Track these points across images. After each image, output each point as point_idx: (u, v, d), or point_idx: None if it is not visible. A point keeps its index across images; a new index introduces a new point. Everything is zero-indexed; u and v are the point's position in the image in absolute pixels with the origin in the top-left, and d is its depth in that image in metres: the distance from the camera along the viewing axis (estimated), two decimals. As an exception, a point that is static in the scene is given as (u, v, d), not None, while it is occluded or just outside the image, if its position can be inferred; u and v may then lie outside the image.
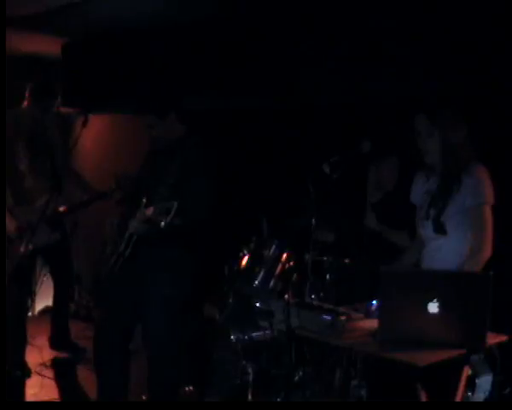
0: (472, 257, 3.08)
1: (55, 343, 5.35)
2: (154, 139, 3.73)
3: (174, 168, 3.55)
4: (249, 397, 3.67)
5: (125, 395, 3.73)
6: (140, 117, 3.70)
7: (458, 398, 2.78)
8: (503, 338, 2.94)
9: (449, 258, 3.15)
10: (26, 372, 4.79)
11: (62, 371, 5.03)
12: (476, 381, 2.90)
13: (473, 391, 2.89)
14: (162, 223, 3.22)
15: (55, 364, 5.11)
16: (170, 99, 3.71)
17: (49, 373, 4.93)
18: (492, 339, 2.87)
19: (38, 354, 5.12)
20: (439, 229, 3.18)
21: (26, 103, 4.87)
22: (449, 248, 3.16)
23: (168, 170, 3.56)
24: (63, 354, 5.29)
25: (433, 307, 2.72)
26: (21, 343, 4.85)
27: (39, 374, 4.85)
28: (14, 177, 4.69)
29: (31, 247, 4.45)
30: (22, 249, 4.46)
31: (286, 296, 3.07)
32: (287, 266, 3.88)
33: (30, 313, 6.39)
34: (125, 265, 3.58)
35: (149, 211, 3.31)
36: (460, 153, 3.13)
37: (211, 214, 3.55)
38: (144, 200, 3.44)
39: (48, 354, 5.20)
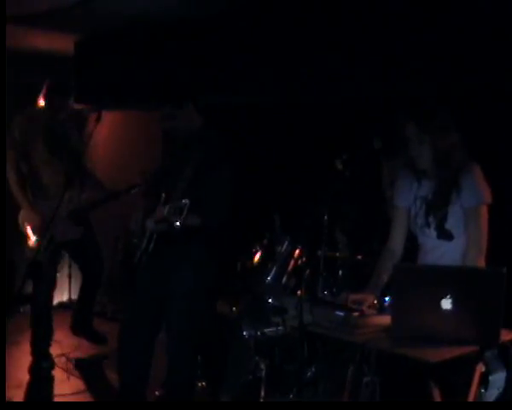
0: (473, 258, 3.06)
1: (77, 328, 5.27)
2: (173, 131, 3.70)
3: (193, 160, 3.50)
4: (262, 393, 3.67)
5: (144, 389, 3.73)
6: (156, 110, 3.66)
7: (471, 395, 2.77)
8: (517, 335, 2.92)
9: (455, 261, 3.13)
10: (51, 364, 4.85)
11: (78, 368, 5.07)
12: (489, 378, 2.88)
13: (486, 388, 2.88)
14: (177, 223, 3.21)
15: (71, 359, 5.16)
16: (186, 88, 3.67)
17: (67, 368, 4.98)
18: (506, 336, 2.85)
19: (53, 348, 5.17)
20: (445, 235, 3.15)
21: (40, 102, 4.88)
22: (455, 251, 3.14)
23: (187, 162, 3.52)
24: (82, 340, 5.30)
25: (446, 304, 2.71)
26: (48, 334, 4.91)
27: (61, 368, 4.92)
28: (31, 174, 4.77)
29: (56, 241, 4.64)
30: (43, 244, 4.61)
31: (298, 292, 3.07)
32: (299, 262, 3.87)
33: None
34: (149, 260, 3.58)
35: (164, 210, 3.30)
36: (453, 157, 3.09)
37: (230, 208, 3.53)
38: (163, 195, 3.44)
39: (65, 349, 5.24)
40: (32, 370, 4.74)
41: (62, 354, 5.17)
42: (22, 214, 4.80)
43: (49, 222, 4.53)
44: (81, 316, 5.30)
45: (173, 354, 3.66)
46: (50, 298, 5.01)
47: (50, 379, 4.68)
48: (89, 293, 5.31)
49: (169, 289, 3.61)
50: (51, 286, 4.97)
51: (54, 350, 5.10)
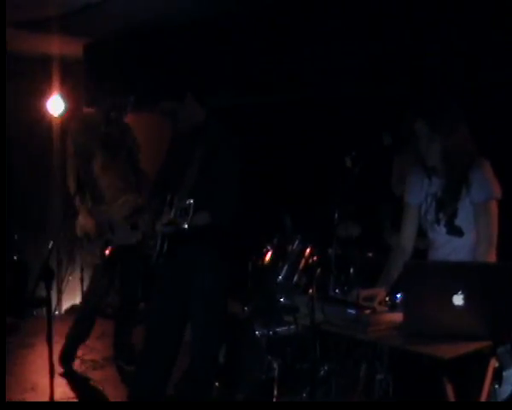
0: (483, 253, 3.04)
1: (120, 357, 5.18)
2: (175, 126, 3.66)
3: (198, 155, 3.47)
4: (275, 392, 3.67)
5: (164, 390, 3.70)
6: (157, 105, 3.59)
7: (485, 391, 2.75)
8: (531, 330, 2.90)
9: (466, 257, 3.11)
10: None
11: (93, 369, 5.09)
12: (503, 373, 2.87)
13: (500, 384, 2.87)
14: (185, 225, 3.20)
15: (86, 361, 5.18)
16: (184, 80, 3.57)
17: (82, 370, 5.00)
18: (519, 331, 2.84)
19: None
20: (455, 231, 3.14)
21: (86, 109, 4.94)
22: (465, 247, 3.13)
23: (192, 158, 3.49)
24: (96, 342, 5.32)
25: (458, 300, 2.70)
26: (83, 337, 4.98)
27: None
28: (90, 178, 4.80)
29: (112, 246, 4.71)
30: (102, 249, 4.71)
31: (310, 291, 3.06)
32: (310, 260, 3.87)
33: (57, 312, 6.49)
34: (166, 261, 3.56)
35: (171, 213, 3.29)
36: (462, 154, 3.08)
37: (239, 202, 3.49)
38: (169, 195, 3.42)
39: (80, 351, 5.24)
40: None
41: (77, 357, 5.18)
42: (80, 221, 4.80)
43: (104, 227, 4.68)
44: (122, 341, 5.17)
45: (196, 353, 3.63)
46: (100, 302, 5.04)
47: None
48: (128, 308, 5.19)
49: (188, 289, 3.59)
50: (104, 291, 4.97)
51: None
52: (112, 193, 4.80)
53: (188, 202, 3.18)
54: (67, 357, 4.89)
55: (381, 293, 3.16)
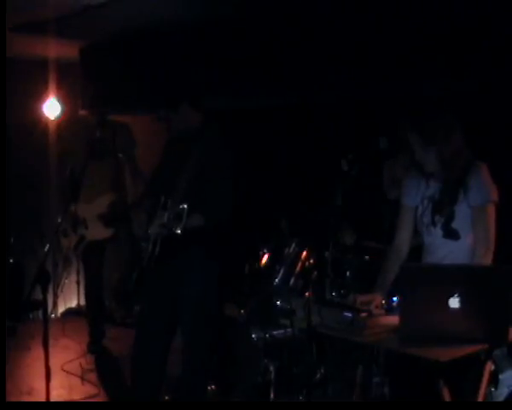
0: (481, 256, 3.05)
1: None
2: (171, 132, 3.68)
3: (193, 159, 3.49)
4: (271, 395, 3.67)
5: (158, 393, 3.70)
6: (153, 112, 3.65)
7: (481, 394, 2.76)
8: (527, 333, 2.91)
9: (461, 260, 3.12)
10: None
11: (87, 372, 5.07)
12: (499, 376, 2.88)
13: (496, 386, 2.87)
14: (178, 230, 3.19)
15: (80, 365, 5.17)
16: (180, 88, 3.61)
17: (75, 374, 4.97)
18: (515, 334, 2.84)
19: (63, 354, 5.20)
20: (451, 234, 3.14)
21: (82, 111, 5.14)
22: (459, 251, 3.13)
23: (187, 161, 3.50)
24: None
25: (454, 303, 2.70)
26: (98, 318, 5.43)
27: (66, 372, 4.93)
28: (74, 178, 5.22)
29: (85, 239, 5.16)
30: (73, 242, 5.17)
31: (306, 294, 3.06)
32: (307, 263, 3.87)
33: (53, 315, 6.48)
34: (157, 264, 3.56)
35: (164, 217, 3.29)
36: (458, 159, 3.09)
37: (232, 205, 3.50)
38: (162, 198, 3.42)
39: (71, 356, 5.25)
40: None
41: (75, 359, 5.17)
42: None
43: (80, 223, 5.12)
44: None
45: (187, 356, 3.64)
46: (96, 286, 5.40)
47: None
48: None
49: (179, 292, 3.60)
50: (95, 276, 5.37)
51: (65, 356, 5.12)
52: (91, 193, 5.09)
53: (181, 207, 3.17)
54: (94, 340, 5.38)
55: (377, 298, 3.16)
